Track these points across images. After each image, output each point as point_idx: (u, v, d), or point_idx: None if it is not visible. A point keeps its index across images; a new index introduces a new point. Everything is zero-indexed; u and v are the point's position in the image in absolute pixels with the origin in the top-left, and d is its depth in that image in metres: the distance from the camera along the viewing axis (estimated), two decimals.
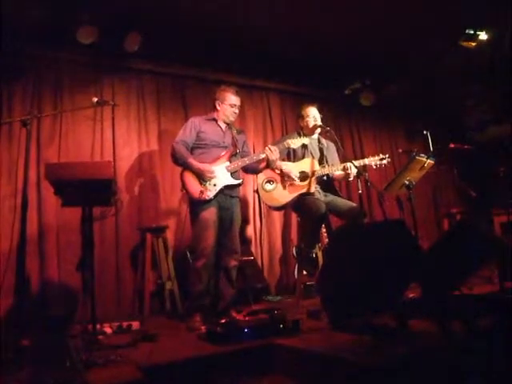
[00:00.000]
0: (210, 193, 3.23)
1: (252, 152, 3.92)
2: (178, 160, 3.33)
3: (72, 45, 3.92)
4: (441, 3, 3.97)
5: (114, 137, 3.33)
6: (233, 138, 3.51)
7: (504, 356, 2.02)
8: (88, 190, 2.72)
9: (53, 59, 4.10)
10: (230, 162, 3.35)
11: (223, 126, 3.53)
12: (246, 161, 3.38)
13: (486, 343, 2.12)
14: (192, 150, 3.40)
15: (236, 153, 3.45)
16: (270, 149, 3.35)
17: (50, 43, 3.96)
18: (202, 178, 3.25)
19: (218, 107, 3.51)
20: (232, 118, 3.54)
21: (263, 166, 3.52)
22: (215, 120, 3.51)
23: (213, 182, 3.25)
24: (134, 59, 4.36)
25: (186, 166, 3.28)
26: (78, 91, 4.15)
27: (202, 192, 3.21)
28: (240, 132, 3.66)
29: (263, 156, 3.36)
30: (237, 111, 3.55)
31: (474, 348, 2.09)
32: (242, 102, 3.98)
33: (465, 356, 2.04)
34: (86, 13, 3.76)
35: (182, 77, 4.72)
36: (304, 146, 3.75)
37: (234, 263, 3.38)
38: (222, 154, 3.37)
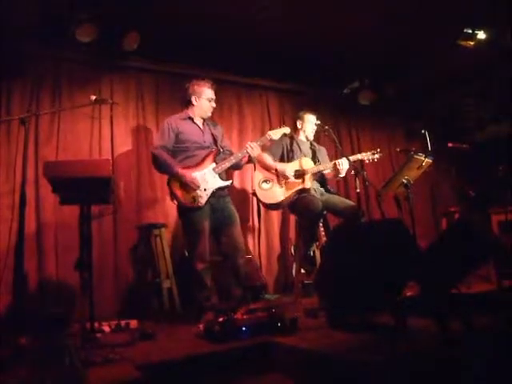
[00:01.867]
0: (202, 199, 3.21)
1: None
2: (161, 167, 3.30)
3: (71, 43, 3.90)
4: (441, 3, 3.97)
5: (112, 135, 3.32)
6: (212, 135, 3.47)
7: (503, 355, 2.03)
8: (86, 188, 2.71)
9: (52, 57, 4.09)
10: (216, 163, 3.32)
11: (200, 122, 3.47)
12: (233, 160, 3.35)
13: (485, 342, 2.13)
14: (173, 154, 3.34)
15: (220, 152, 3.42)
16: (250, 145, 3.36)
17: (49, 42, 3.94)
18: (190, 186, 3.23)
19: (195, 102, 3.43)
20: (209, 113, 3.50)
21: (245, 162, 3.53)
22: (191, 118, 3.45)
23: (202, 187, 3.23)
24: (133, 58, 4.34)
25: (174, 176, 3.24)
26: (77, 90, 4.14)
27: (194, 198, 3.19)
28: (216, 125, 3.62)
29: (246, 153, 3.38)
30: (214, 105, 3.50)
31: (472, 347, 2.10)
32: (240, 100, 4.00)
33: (464, 355, 2.04)
34: (85, 11, 3.75)
35: (181, 75, 4.71)
36: (297, 147, 3.82)
37: (240, 261, 3.36)
38: (207, 155, 3.33)
